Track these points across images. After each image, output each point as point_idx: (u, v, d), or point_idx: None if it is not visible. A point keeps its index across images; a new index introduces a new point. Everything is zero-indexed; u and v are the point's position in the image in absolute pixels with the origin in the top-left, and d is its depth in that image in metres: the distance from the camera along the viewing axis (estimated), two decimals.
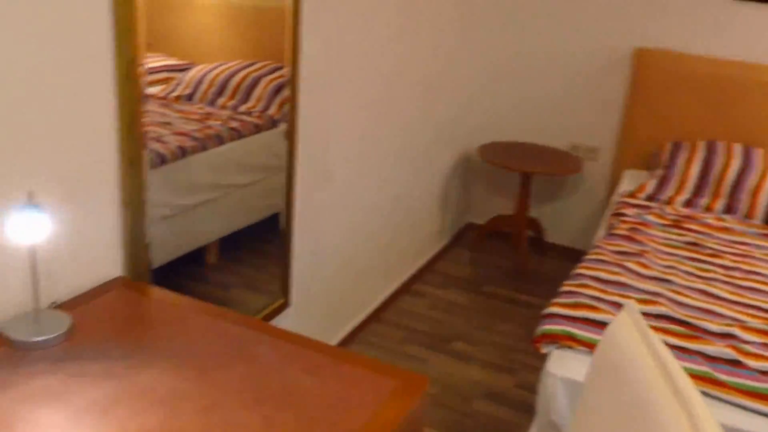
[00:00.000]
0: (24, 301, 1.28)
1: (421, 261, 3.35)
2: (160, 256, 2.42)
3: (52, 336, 1.21)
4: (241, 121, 2.49)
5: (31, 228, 1.18)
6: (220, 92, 2.53)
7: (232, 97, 2.51)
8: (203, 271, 2.53)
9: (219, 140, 2.43)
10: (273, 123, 2.45)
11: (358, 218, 2.62)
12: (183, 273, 2.41)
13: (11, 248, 1.23)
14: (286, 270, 2.24)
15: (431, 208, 3.34)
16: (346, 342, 2.67)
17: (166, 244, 2.42)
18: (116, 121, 1.41)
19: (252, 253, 2.57)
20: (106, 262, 1.46)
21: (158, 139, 2.34)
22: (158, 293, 1.44)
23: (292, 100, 2.23)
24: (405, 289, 3.15)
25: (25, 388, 1.10)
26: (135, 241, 1.52)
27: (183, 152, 2.39)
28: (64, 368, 1.15)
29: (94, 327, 1.28)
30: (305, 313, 2.35)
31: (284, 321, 2.20)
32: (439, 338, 2.83)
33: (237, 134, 2.48)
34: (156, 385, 1.14)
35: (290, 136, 2.26)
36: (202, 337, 1.30)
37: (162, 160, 2.38)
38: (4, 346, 1.20)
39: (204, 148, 2.49)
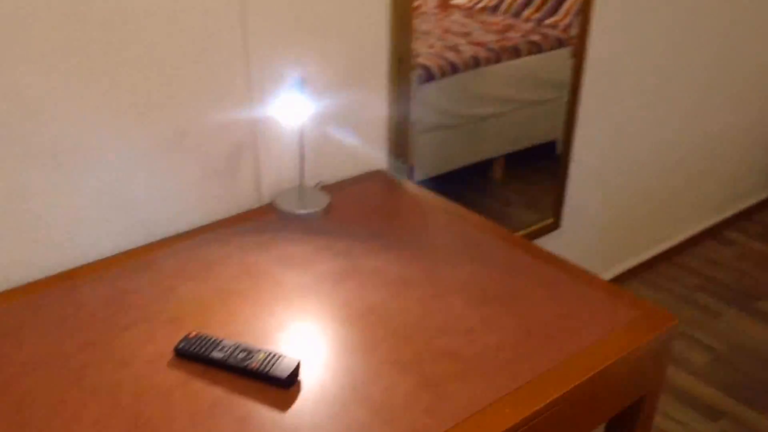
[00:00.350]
0: (296, 179, 1.42)
1: (737, 207, 2.93)
2: (445, 164, 2.49)
3: (311, 211, 1.33)
4: (543, 35, 2.38)
5: (301, 111, 1.29)
6: (527, 3, 2.44)
7: (538, 9, 2.41)
8: (487, 185, 2.54)
9: (515, 53, 2.37)
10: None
11: (653, 152, 2.37)
12: (469, 184, 2.45)
13: (288, 130, 1.37)
14: (560, 193, 2.15)
15: (758, 150, 2.88)
16: (622, 278, 2.49)
17: (452, 153, 2.47)
18: (388, 19, 1.45)
19: (534, 173, 2.51)
20: (371, 154, 1.54)
21: (454, 48, 2.36)
22: (414, 190, 1.48)
23: (585, 14, 2.06)
24: (710, 234, 2.81)
25: (282, 252, 1.23)
26: (400, 137, 1.57)
27: (476, 62, 2.38)
28: (314, 240, 1.26)
29: (348, 210, 1.37)
30: (575, 239, 2.24)
31: (551, 242, 2.13)
32: (742, 293, 2.48)
33: (536, 48, 2.38)
34: (387, 269, 1.19)
35: (578, 55, 2.11)
36: (442, 234, 1.31)
37: (454, 69, 2.39)
38: (273, 214, 1.35)
39: (498, 60, 2.44)
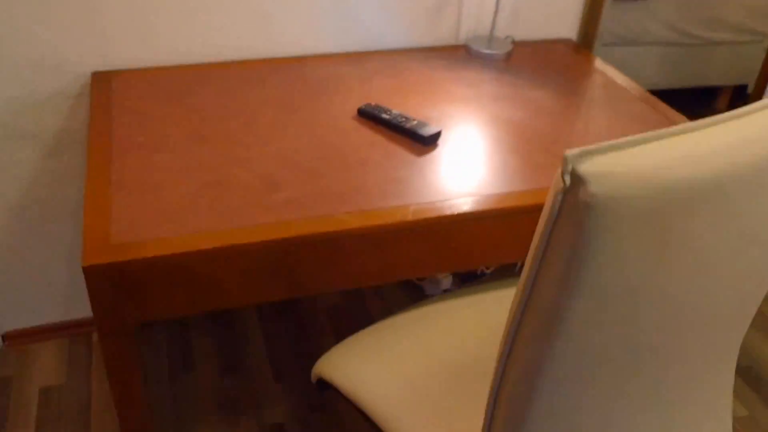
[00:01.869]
0: (488, 28, 1.69)
1: None
2: (665, 80, 2.56)
3: (495, 53, 1.60)
4: None
5: None
6: None
7: None
8: (705, 115, 2.57)
9: None
10: None
11: None
12: (687, 108, 2.52)
13: None
14: None
15: None
16: None
17: (668, 71, 2.54)
18: None
19: None
20: (563, 24, 1.75)
21: None
22: (593, 60, 1.67)
23: None
24: None
25: (459, 74, 1.52)
26: (592, 15, 1.75)
27: None
28: (489, 72, 1.54)
29: (527, 59, 1.62)
30: None
31: None
32: None
33: None
34: (538, 100, 1.43)
35: None
36: (597, 90, 1.51)
37: None
38: (463, 51, 1.64)
39: None
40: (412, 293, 1.98)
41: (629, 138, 0.56)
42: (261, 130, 1.27)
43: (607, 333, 0.60)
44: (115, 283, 0.97)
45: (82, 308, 1.77)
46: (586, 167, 0.53)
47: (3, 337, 1.77)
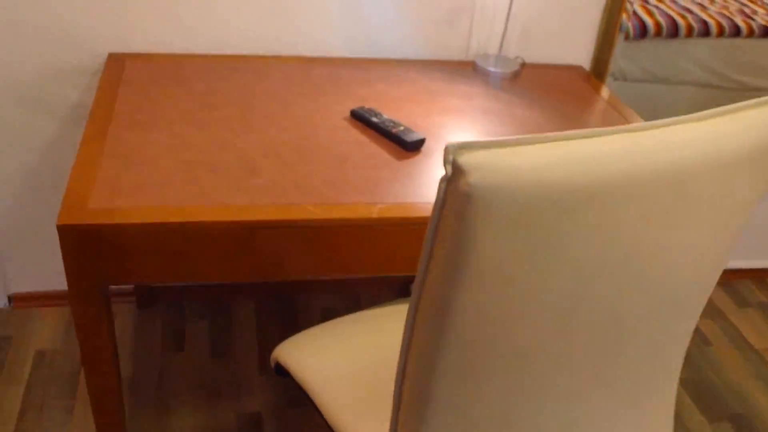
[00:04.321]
0: (497, 47, 1.72)
1: None
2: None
3: (499, 71, 1.63)
4: None
5: None
6: None
7: None
8: None
9: None
10: None
11: None
12: None
13: (503, 5, 1.67)
14: None
15: None
16: None
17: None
18: None
19: None
20: (577, 52, 1.77)
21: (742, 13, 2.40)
22: (601, 89, 1.69)
23: None
24: None
25: (458, 88, 1.56)
26: (605, 45, 1.76)
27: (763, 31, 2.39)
28: (488, 89, 1.57)
29: (531, 81, 1.65)
30: None
31: None
32: None
33: None
34: (527, 120, 1.45)
35: None
36: (592, 118, 1.52)
37: (736, 32, 2.43)
38: (470, 68, 1.68)
39: None
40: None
41: (517, 137, 0.59)
42: (253, 120, 1.32)
43: (492, 326, 0.63)
44: (86, 245, 1.03)
45: None
46: (465, 159, 0.56)
47: (9, 298, 1.86)
